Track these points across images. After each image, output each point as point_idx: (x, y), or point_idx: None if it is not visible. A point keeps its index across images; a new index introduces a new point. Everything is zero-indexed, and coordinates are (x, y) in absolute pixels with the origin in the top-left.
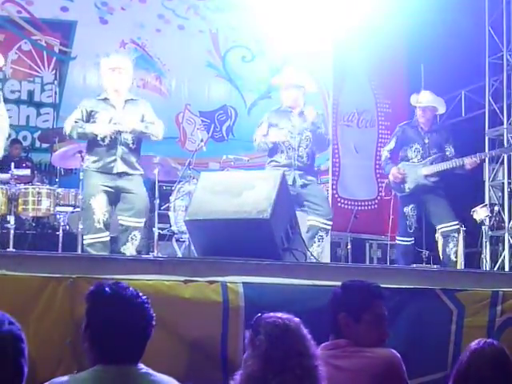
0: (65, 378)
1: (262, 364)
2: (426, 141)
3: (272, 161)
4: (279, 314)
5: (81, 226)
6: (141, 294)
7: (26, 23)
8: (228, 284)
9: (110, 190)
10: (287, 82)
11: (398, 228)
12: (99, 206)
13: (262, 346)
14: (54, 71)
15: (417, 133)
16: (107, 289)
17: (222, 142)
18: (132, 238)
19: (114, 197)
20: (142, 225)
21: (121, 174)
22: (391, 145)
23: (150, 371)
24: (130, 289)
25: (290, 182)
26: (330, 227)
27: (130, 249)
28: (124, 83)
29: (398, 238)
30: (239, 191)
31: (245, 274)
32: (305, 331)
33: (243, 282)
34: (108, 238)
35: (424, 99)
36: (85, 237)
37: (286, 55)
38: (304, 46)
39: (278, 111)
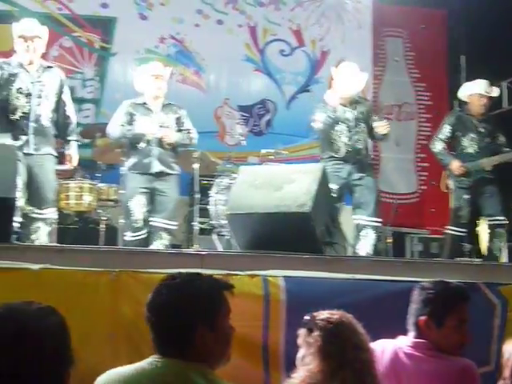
0: (122, 369)
1: (320, 361)
2: (482, 130)
3: (327, 153)
4: (332, 310)
5: (122, 221)
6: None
7: (67, 20)
8: (269, 278)
9: (146, 191)
10: (345, 73)
11: (450, 218)
12: (137, 207)
13: (318, 342)
14: (94, 67)
15: (470, 122)
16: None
17: (260, 136)
18: (160, 238)
19: (150, 197)
20: (171, 226)
21: (158, 174)
22: (446, 133)
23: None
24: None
25: (344, 176)
26: (377, 223)
27: (157, 247)
28: (164, 90)
29: (448, 227)
30: (279, 185)
31: (285, 268)
32: (358, 325)
33: (284, 276)
34: (147, 235)
35: (481, 87)
36: (125, 233)
37: (324, 48)
38: (343, 38)
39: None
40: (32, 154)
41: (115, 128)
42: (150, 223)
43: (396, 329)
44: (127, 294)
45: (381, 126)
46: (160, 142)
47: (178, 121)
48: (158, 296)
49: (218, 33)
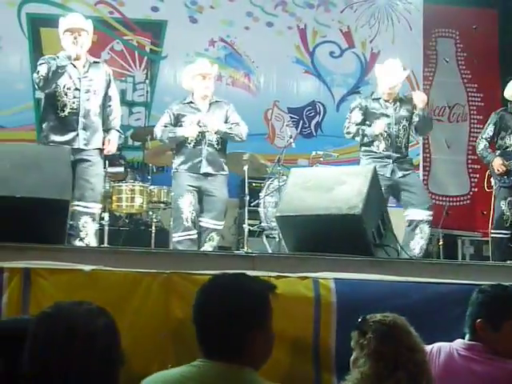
0: (169, 372)
1: (374, 362)
2: None
3: (368, 151)
4: (384, 313)
5: (172, 224)
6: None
7: (118, 24)
8: (320, 280)
9: (195, 189)
10: (388, 71)
11: (494, 221)
12: (186, 205)
13: (371, 344)
14: (145, 70)
15: None
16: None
17: (310, 138)
18: (209, 239)
19: (199, 197)
20: (221, 227)
21: (206, 175)
22: (489, 132)
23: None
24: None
25: (388, 175)
26: (430, 217)
27: (207, 249)
28: (211, 89)
29: (492, 231)
30: (330, 187)
31: (336, 270)
32: (411, 327)
33: (335, 278)
34: (196, 236)
35: None
36: (174, 234)
37: (374, 49)
38: (393, 39)
39: (373, 99)
40: (82, 150)
41: (158, 128)
42: (200, 223)
43: (447, 331)
44: (179, 296)
45: (418, 97)
46: (209, 142)
47: (227, 118)
48: (207, 296)
49: (268, 35)
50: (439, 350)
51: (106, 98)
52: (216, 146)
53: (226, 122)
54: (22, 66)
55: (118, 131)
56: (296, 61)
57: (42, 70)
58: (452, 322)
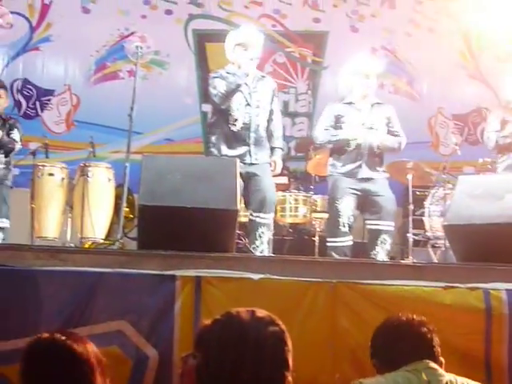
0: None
1: None
2: None
3: None
4: None
5: (327, 229)
6: None
7: (281, 36)
8: (491, 291)
9: (357, 192)
10: None
11: None
12: (346, 209)
13: None
14: (307, 81)
15: None
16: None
17: (476, 145)
18: (382, 242)
19: (362, 200)
20: (392, 228)
21: (365, 179)
22: None
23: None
24: None
25: None
26: None
27: (380, 253)
28: (373, 88)
29: None
30: (501, 195)
31: (508, 281)
32: None
33: (507, 289)
34: (351, 243)
35: None
36: (328, 239)
37: None
38: None
39: None
40: (254, 164)
41: (320, 132)
42: (368, 227)
43: None
44: (345, 305)
45: None
46: (370, 149)
47: (388, 121)
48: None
49: (430, 41)
50: None
51: (270, 111)
52: (376, 150)
53: (387, 126)
54: (188, 81)
55: (281, 149)
56: (460, 66)
57: (220, 86)
58: None
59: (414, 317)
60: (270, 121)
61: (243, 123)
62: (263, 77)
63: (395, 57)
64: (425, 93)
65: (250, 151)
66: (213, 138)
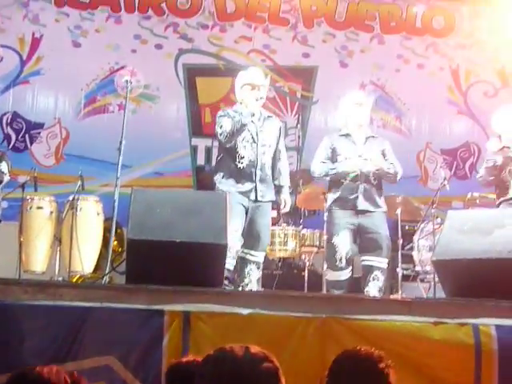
0: None
1: None
2: None
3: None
4: None
5: (325, 265)
6: None
7: (270, 71)
8: (480, 326)
9: (353, 227)
10: None
11: None
12: (342, 243)
13: None
14: (296, 116)
15: None
16: None
17: (465, 180)
18: (374, 278)
19: (357, 234)
20: (385, 265)
21: (363, 211)
22: None
23: None
24: None
25: None
26: None
27: (372, 290)
28: (366, 118)
29: None
30: (489, 230)
31: (497, 316)
32: None
33: (496, 325)
34: (348, 276)
35: None
36: (326, 273)
37: None
38: None
39: None
40: (258, 201)
41: (317, 165)
42: (362, 263)
43: None
44: (334, 340)
45: None
46: (366, 179)
47: (383, 153)
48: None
49: (419, 76)
50: None
51: (277, 151)
52: (373, 181)
53: (382, 158)
54: (178, 115)
55: (290, 187)
56: (448, 101)
57: (226, 125)
58: None
59: (373, 351)
60: (277, 160)
61: (249, 160)
62: (269, 116)
63: (384, 92)
64: (413, 128)
65: (256, 188)
66: (219, 174)
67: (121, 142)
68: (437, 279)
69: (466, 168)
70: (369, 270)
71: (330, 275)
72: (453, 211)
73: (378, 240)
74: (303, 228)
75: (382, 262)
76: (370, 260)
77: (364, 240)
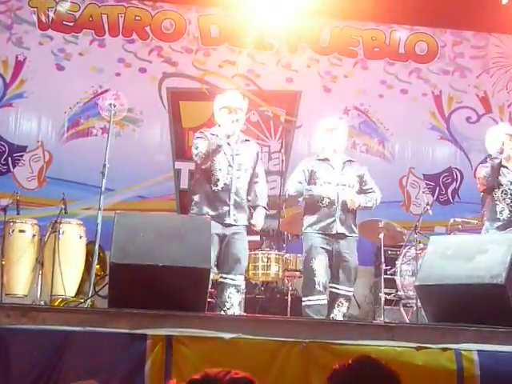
0: None
1: None
2: None
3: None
4: None
5: (302, 287)
6: None
7: (254, 95)
8: (462, 351)
9: (328, 251)
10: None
11: None
12: (320, 268)
13: None
14: (280, 140)
15: None
16: None
17: (447, 205)
18: (338, 305)
19: (331, 259)
20: (350, 293)
21: (339, 235)
22: None
23: None
24: None
25: None
26: None
27: (337, 316)
28: (341, 143)
29: None
30: (471, 255)
31: (479, 342)
32: None
33: (478, 350)
34: (326, 301)
35: None
36: (304, 298)
37: None
38: None
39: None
40: (231, 225)
41: (292, 185)
42: (331, 289)
43: None
44: (317, 365)
45: None
46: (343, 205)
47: (361, 179)
48: None
49: (403, 102)
50: None
51: (254, 174)
52: (350, 210)
53: (359, 184)
54: (162, 138)
55: (265, 208)
56: (431, 127)
57: (202, 146)
58: None
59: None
60: (255, 183)
61: (224, 184)
62: (247, 140)
63: (367, 117)
64: (396, 152)
65: (229, 212)
66: (195, 197)
67: (104, 166)
68: (419, 304)
69: (449, 193)
70: (335, 297)
71: (307, 299)
72: (435, 236)
73: (349, 268)
74: (286, 252)
75: (349, 290)
76: (337, 288)
77: (336, 267)
